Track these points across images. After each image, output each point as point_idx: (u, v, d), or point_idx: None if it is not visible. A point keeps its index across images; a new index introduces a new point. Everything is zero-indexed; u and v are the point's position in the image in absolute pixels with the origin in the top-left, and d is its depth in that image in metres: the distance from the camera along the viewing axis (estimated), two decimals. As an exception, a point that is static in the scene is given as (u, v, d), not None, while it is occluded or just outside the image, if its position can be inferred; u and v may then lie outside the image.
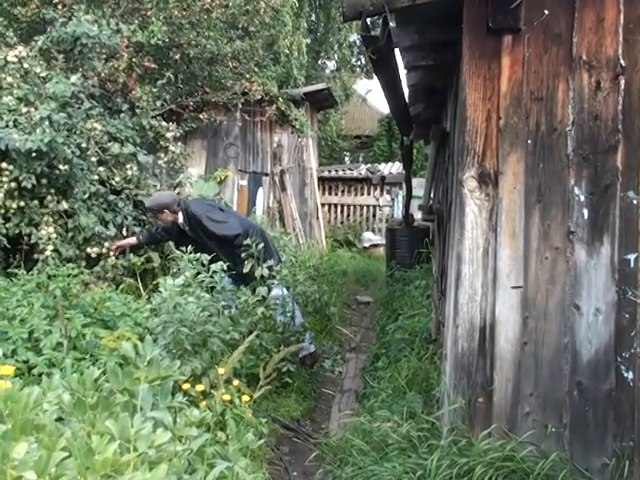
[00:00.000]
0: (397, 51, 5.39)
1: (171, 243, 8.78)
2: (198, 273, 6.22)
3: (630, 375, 3.88)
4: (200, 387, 4.51)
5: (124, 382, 2.72)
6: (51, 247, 7.54)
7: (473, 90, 3.98)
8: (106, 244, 8.09)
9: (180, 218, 7.66)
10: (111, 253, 8.09)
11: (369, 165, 22.23)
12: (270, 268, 6.96)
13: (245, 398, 4.58)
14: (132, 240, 8.23)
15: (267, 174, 15.60)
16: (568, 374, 3.93)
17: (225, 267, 6.47)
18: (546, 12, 3.91)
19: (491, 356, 4.00)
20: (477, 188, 3.98)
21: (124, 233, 8.57)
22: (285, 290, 7.30)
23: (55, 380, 2.70)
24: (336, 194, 20.78)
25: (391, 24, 4.74)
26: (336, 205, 20.80)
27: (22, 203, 7.60)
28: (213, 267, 6.27)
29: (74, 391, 2.57)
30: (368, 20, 4.60)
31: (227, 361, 5.12)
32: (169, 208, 7.64)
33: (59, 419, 2.59)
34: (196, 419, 2.78)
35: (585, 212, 3.89)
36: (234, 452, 3.01)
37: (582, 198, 3.90)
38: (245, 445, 3.34)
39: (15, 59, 8.65)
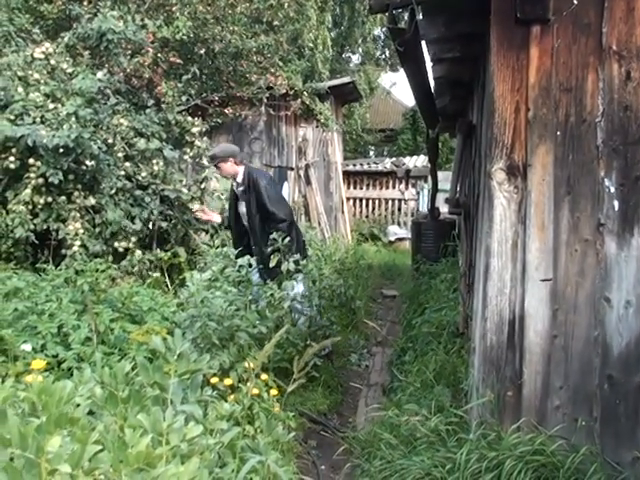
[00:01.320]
0: (423, 43, 5.36)
1: (196, 238, 8.84)
2: (225, 267, 6.24)
3: (661, 368, 3.85)
4: (228, 381, 4.53)
5: (154, 376, 2.73)
6: (78, 242, 7.58)
7: (501, 82, 3.95)
8: (196, 206, 8.62)
9: (240, 176, 7.55)
10: (198, 215, 8.43)
11: (394, 159, 22.14)
12: (297, 262, 6.94)
13: (273, 392, 4.59)
14: (218, 218, 8.35)
15: (292, 168, 15.61)
16: (598, 367, 3.90)
17: (253, 261, 6.63)
18: (575, 2, 3.87)
19: (520, 349, 3.98)
20: (506, 180, 3.95)
21: (150, 228, 8.61)
22: (303, 287, 7.37)
23: (87, 374, 2.72)
24: (361, 188, 20.71)
25: (418, 16, 4.72)
26: (361, 199, 20.74)
27: (49, 199, 7.65)
28: (240, 261, 6.29)
29: (106, 385, 2.58)
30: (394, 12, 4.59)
31: (254, 355, 5.13)
32: (234, 157, 7.57)
33: (91, 413, 2.61)
34: (226, 413, 2.79)
35: (615, 204, 3.86)
36: (265, 446, 3.02)
37: (612, 189, 3.86)
38: (275, 439, 3.35)
39: (42, 55, 8.71)
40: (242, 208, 7.56)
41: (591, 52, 3.87)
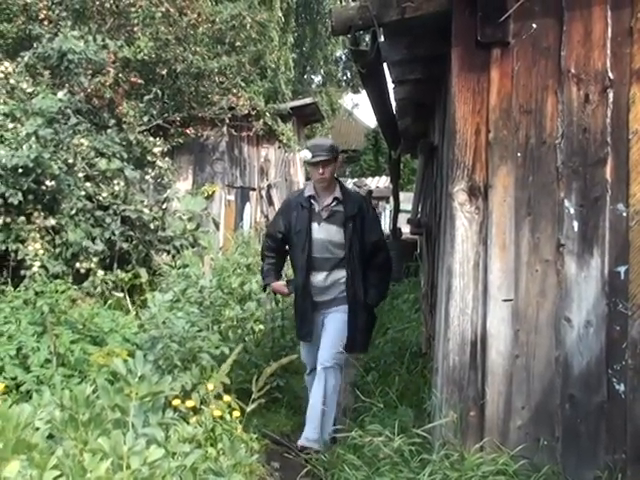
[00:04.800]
0: (385, 65, 5.39)
1: (157, 258, 8.77)
2: (186, 288, 6.20)
3: (622, 387, 3.86)
4: (190, 403, 4.48)
5: (115, 399, 2.70)
6: (38, 263, 7.52)
7: (462, 104, 3.98)
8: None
9: (336, 190, 5.62)
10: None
11: (356, 179, 22.26)
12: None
13: (235, 414, 4.56)
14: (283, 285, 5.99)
15: (254, 189, 15.60)
16: (560, 387, 3.92)
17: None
18: (534, 26, 3.92)
19: (482, 369, 3.98)
20: (467, 201, 3.97)
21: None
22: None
23: (46, 397, 2.69)
24: (323, 208, 20.73)
25: (380, 39, 4.74)
26: (323, 219, 20.73)
27: (8, 219, 7.58)
28: (201, 282, 6.26)
29: (65, 408, 2.54)
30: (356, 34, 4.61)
31: (216, 376, 5.10)
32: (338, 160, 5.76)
33: (51, 437, 2.57)
34: (188, 435, 2.77)
35: (575, 224, 3.89)
36: (228, 468, 2.99)
37: (572, 210, 3.90)
38: (238, 461, 3.32)
39: (1, 75, 8.65)
40: (322, 234, 5.57)
41: (550, 75, 3.92)
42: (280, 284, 5.88)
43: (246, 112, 13.76)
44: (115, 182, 8.83)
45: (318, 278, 5.58)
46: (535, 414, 3.93)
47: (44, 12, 10.74)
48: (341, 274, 5.56)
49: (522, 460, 3.80)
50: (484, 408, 3.97)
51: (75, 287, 7.54)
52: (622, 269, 3.87)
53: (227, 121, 13.53)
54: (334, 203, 5.55)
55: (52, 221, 7.88)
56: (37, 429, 2.34)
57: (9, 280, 7.45)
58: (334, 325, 5.60)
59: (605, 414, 3.88)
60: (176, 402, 4.35)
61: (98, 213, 8.50)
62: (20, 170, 7.34)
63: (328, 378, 5.55)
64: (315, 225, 5.55)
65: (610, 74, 3.86)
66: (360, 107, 49.08)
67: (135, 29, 11.58)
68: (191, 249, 10.08)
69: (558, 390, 3.92)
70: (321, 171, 5.49)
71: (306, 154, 5.43)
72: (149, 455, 2.41)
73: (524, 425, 3.93)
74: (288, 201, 6.02)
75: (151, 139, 10.38)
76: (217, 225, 13.83)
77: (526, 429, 3.93)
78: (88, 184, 8.53)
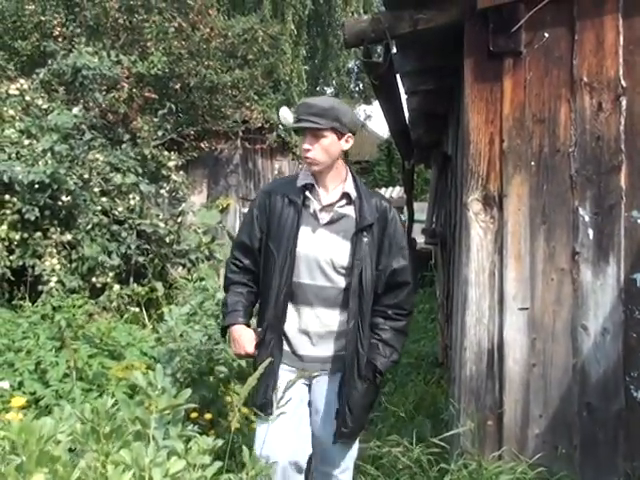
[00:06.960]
0: (398, 76, 5.42)
1: (173, 272, 8.81)
2: (203, 301, 6.21)
3: (639, 394, 3.87)
4: (208, 415, 4.50)
5: (136, 411, 2.72)
6: (55, 278, 7.55)
7: (475, 114, 4.00)
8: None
9: (348, 182, 3.49)
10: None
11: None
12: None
13: (254, 426, 4.57)
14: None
15: (268, 201, 15.59)
16: (577, 395, 3.92)
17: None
18: (546, 35, 3.94)
19: (500, 378, 3.98)
20: (482, 211, 3.99)
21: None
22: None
23: (67, 411, 2.71)
24: (337, 220, 20.73)
25: (392, 50, 4.77)
26: (338, 231, 20.73)
27: (25, 235, 7.62)
28: (218, 295, 6.27)
29: (87, 421, 2.57)
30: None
31: (234, 389, 5.11)
32: (352, 136, 3.48)
33: (72, 450, 2.59)
34: (208, 447, 2.78)
35: (590, 232, 3.90)
36: (248, 479, 3.00)
37: (587, 218, 3.90)
38: (257, 472, 3.33)
39: (17, 92, 8.73)
40: (316, 247, 3.42)
41: (563, 84, 3.94)
42: (249, 334, 3.57)
43: (259, 125, 13.82)
44: (130, 196, 8.87)
45: (304, 318, 3.47)
46: (553, 422, 3.93)
47: (58, 29, 10.85)
48: (343, 317, 3.47)
49: (540, 468, 3.80)
50: (502, 417, 3.97)
51: (92, 301, 7.56)
52: (638, 276, 3.87)
53: (241, 134, 13.60)
54: (343, 202, 3.46)
55: (68, 236, 7.91)
56: (59, 442, 2.37)
57: (27, 295, 7.49)
58: (333, 404, 3.53)
59: (623, 422, 3.88)
60: (194, 415, 4.37)
61: (114, 228, 8.54)
62: (36, 186, 7.38)
63: None
64: (307, 231, 3.43)
65: (623, 82, 3.88)
66: (373, 118, 49.08)
67: (148, 44, 11.66)
68: (207, 262, 10.10)
69: (575, 398, 3.92)
70: (307, 146, 3.37)
71: (285, 114, 3.22)
72: (170, 467, 2.43)
73: (542, 433, 3.94)
74: (267, 191, 3.62)
75: (166, 153, 10.42)
76: (232, 238, 13.85)
77: (544, 437, 3.94)
78: (104, 199, 8.56)
